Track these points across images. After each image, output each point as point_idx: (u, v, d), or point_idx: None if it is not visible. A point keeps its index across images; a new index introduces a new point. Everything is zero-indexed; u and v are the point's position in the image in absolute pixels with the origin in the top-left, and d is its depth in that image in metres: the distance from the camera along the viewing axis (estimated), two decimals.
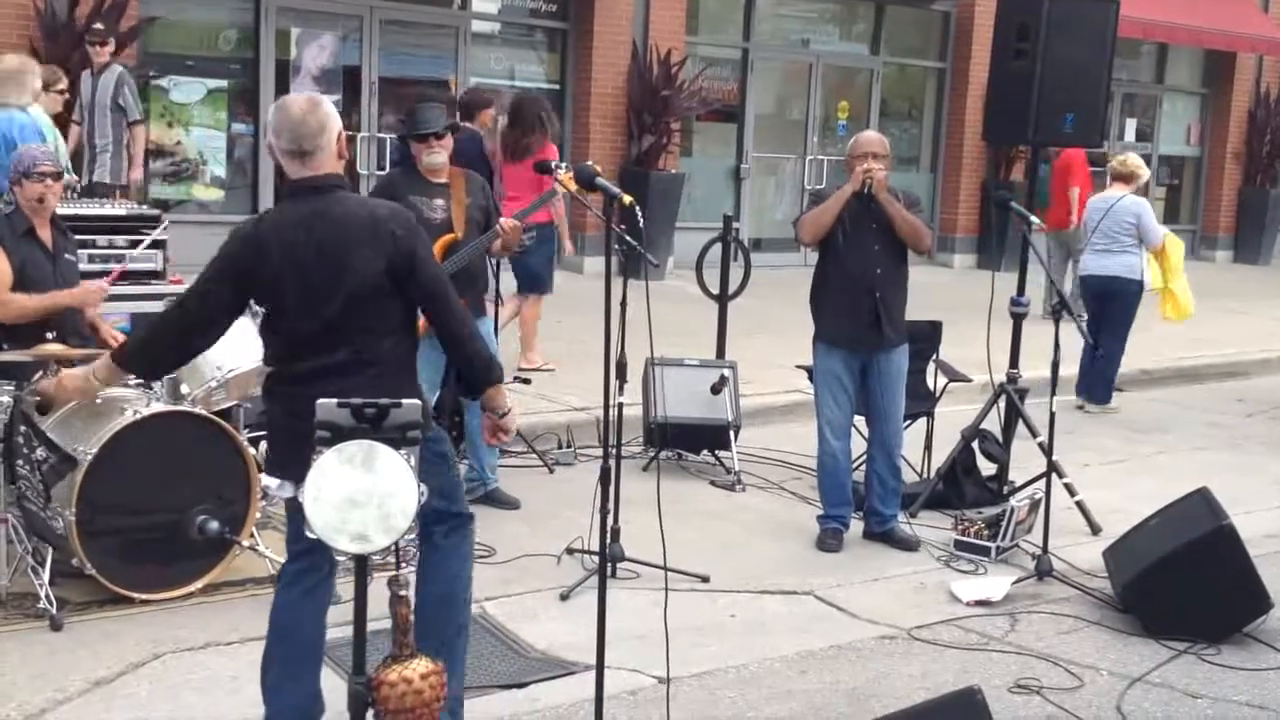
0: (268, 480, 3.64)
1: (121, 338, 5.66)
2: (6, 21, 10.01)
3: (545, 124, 8.50)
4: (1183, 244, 9.48)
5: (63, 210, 5.54)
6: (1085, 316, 8.50)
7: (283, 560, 5.07)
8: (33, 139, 7.26)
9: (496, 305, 7.26)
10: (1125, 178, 8.97)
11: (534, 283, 8.59)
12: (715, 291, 9.01)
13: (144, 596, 4.78)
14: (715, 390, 7.04)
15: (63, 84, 8.57)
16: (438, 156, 5.85)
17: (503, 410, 3.81)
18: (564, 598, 5.11)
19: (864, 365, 5.91)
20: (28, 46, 9.97)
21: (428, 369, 6.05)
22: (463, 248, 5.79)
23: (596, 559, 4.17)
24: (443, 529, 3.89)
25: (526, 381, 7.71)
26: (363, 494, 2.87)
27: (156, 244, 6.98)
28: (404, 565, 5.12)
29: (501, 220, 5.89)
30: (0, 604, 4.69)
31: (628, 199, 4.19)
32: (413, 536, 5.13)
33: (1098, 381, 8.98)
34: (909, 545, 5.94)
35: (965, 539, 5.90)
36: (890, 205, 5.79)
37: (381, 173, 12.10)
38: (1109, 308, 8.89)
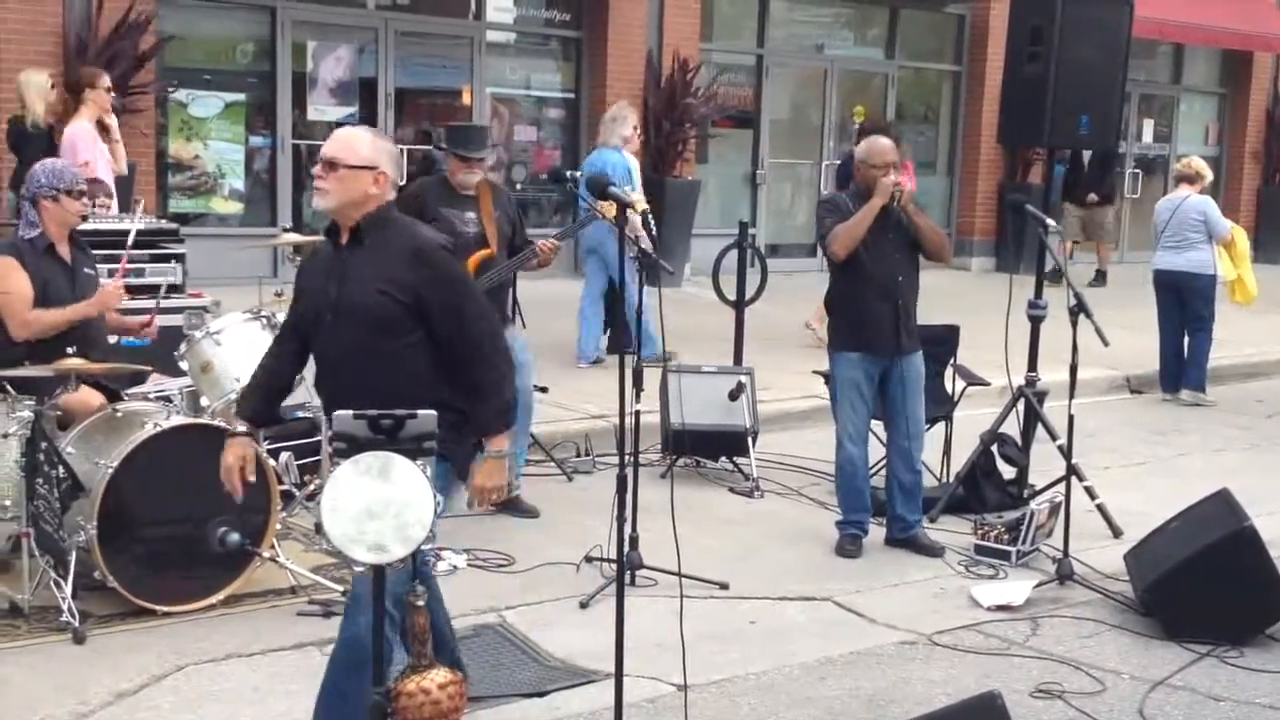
0: None
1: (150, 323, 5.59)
2: (29, 39, 10.10)
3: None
4: (1246, 233, 9.88)
5: (81, 225, 5.56)
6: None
7: (303, 571, 5.13)
8: (623, 176, 8.56)
9: (517, 315, 7.30)
10: (1190, 179, 9.56)
11: None
12: (732, 298, 9.02)
13: (166, 609, 4.80)
14: (733, 396, 7.03)
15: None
16: (475, 176, 6.04)
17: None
18: (583, 606, 5.11)
19: (883, 372, 5.90)
20: (48, 63, 10.08)
21: None
22: (497, 264, 5.92)
23: (615, 567, 4.17)
24: None
25: (544, 390, 7.73)
26: (379, 504, 2.88)
27: (176, 257, 7.03)
28: None
29: (540, 241, 6.01)
30: (24, 617, 4.72)
31: (641, 207, 4.21)
32: (430, 547, 5.16)
33: (1195, 371, 9.55)
34: (933, 551, 5.92)
35: (985, 543, 5.89)
36: (918, 217, 5.79)
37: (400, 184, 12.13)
38: (1187, 303, 9.43)
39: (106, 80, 8.20)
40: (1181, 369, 9.60)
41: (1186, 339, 9.57)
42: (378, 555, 2.90)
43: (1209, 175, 9.70)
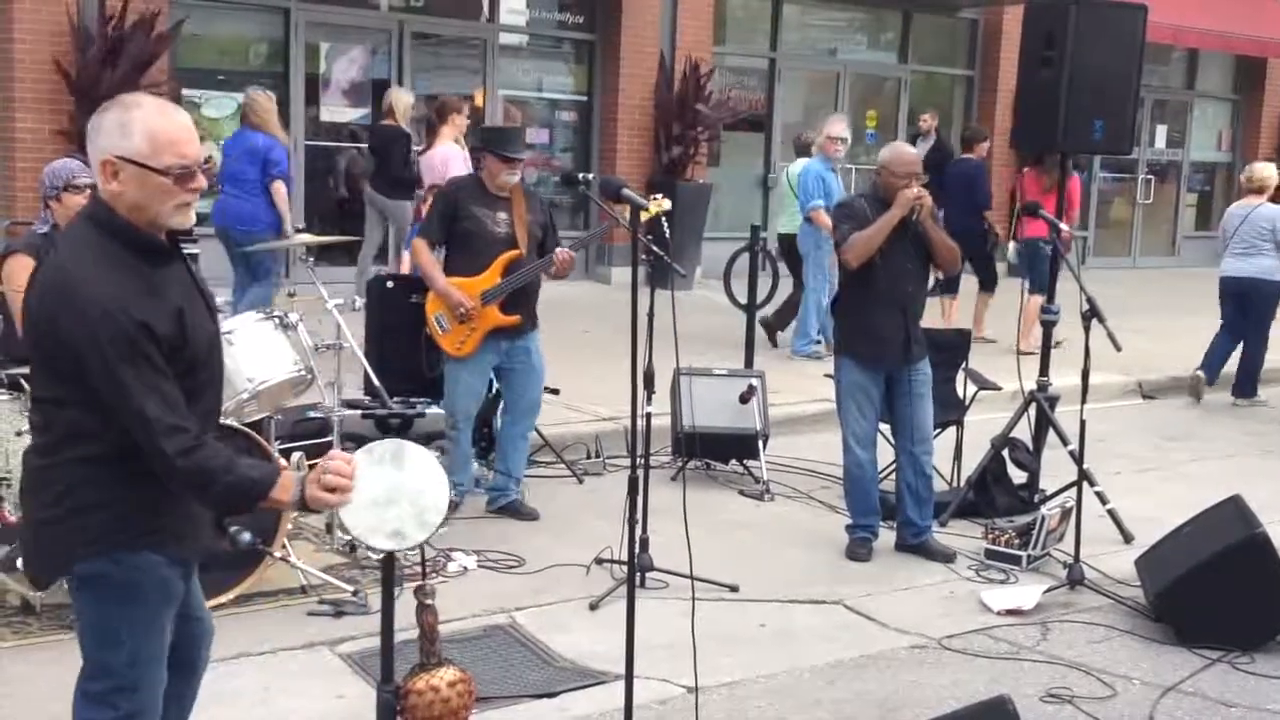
0: None
1: None
2: (40, 37, 10.16)
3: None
4: None
5: None
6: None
7: (314, 571, 5.13)
8: (834, 183, 9.59)
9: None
10: (1258, 189, 9.74)
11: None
12: (743, 301, 9.03)
13: None
14: (743, 400, 7.03)
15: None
16: (514, 176, 6.13)
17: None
18: (593, 607, 5.11)
19: (891, 378, 5.89)
20: (58, 62, 10.12)
21: (475, 382, 6.11)
22: (523, 266, 6.02)
23: (625, 569, 4.17)
24: None
25: (555, 391, 7.73)
26: (395, 491, 2.87)
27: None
28: (431, 574, 5.16)
29: (558, 251, 6.05)
30: (35, 615, 4.73)
31: (654, 210, 4.21)
32: (443, 546, 5.15)
33: (1244, 378, 9.76)
34: (944, 557, 5.90)
35: (996, 548, 5.87)
36: (934, 231, 5.76)
37: None
38: (1251, 308, 9.62)
39: (466, 108, 9.57)
40: (1224, 365, 9.76)
41: (1240, 347, 9.71)
42: (397, 542, 2.89)
43: (1275, 181, 9.84)
